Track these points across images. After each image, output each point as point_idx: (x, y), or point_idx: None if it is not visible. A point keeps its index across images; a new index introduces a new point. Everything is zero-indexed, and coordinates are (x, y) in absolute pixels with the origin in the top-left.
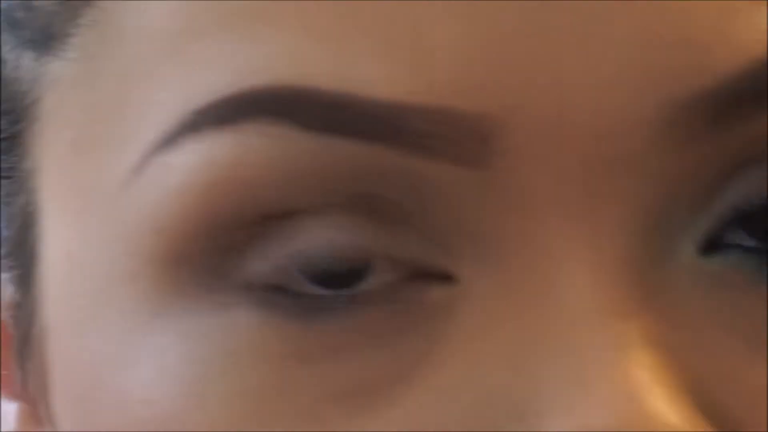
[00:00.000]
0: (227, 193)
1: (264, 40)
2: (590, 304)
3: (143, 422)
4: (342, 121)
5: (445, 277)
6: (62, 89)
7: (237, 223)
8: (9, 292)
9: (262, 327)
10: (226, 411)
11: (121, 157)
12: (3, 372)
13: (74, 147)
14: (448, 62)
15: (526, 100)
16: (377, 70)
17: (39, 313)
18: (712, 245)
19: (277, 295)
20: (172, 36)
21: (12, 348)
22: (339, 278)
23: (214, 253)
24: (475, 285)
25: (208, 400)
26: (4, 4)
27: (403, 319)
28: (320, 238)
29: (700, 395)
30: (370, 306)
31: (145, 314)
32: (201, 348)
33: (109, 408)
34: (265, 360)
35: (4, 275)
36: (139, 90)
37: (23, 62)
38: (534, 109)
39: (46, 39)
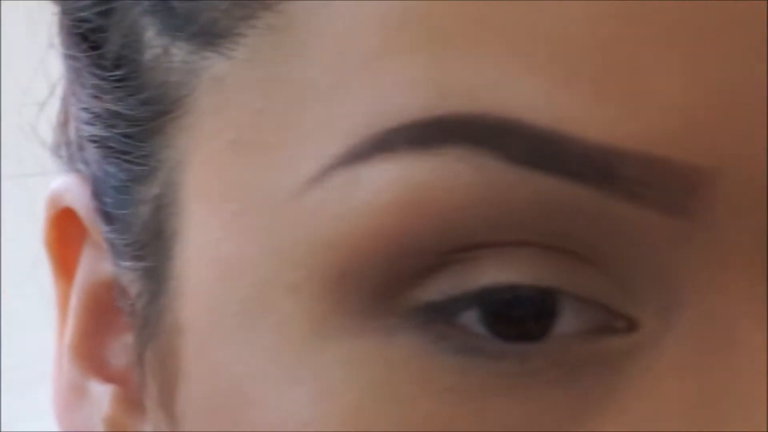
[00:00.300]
0: (419, 215)
1: (469, 65)
2: (762, 365)
3: None
4: (550, 158)
5: (628, 325)
6: (226, 88)
7: (420, 248)
8: (129, 278)
9: (429, 358)
10: None
11: (294, 166)
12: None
13: (234, 148)
14: (666, 110)
15: (739, 154)
16: (592, 111)
17: (173, 311)
18: None
19: (445, 326)
20: (368, 50)
21: (114, 333)
22: (518, 323)
23: (386, 276)
24: (658, 334)
25: (372, 429)
26: None
27: (580, 366)
28: (504, 277)
29: None
30: (545, 355)
31: (305, 331)
32: (365, 373)
33: (259, 425)
34: (431, 393)
35: (124, 262)
36: (323, 102)
37: (174, 52)
38: (746, 163)
39: (210, 35)
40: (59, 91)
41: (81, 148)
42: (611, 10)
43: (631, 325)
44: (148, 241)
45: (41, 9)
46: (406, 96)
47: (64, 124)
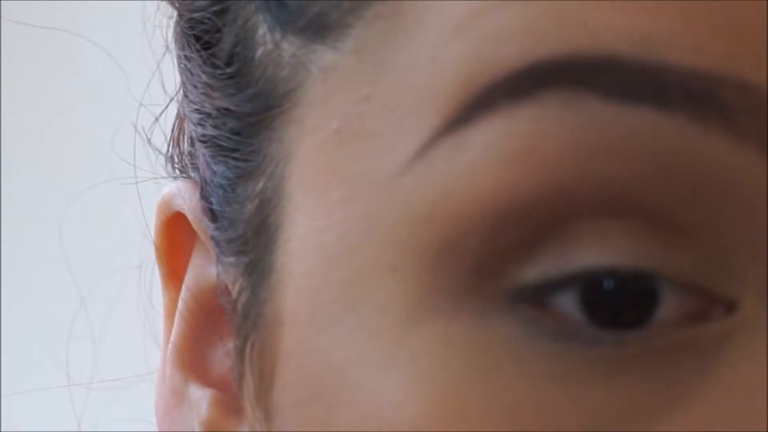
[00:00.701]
0: (522, 170)
1: (556, 9)
2: None
3: (394, 425)
4: (645, 88)
5: (727, 308)
6: (335, 79)
7: (522, 211)
8: (231, 274)
9: (524, 343)
10: (485, 426)
11: (397, 146)
12: (193, 358)
13: (339, 137)
14: (758, 38)
15: None
16: (682, 36)
17: (274, 302)
18: None
19: (540, 311)
20: (463, 15)
21: (218, 335)
22: (617, 311)
23: (484, 250)
24: (758, 313)
25: (465, 413)
26: None
27: (678, 352)
28: (604, 259)
29: None
30: (643, 342)
31: (404, 312)
32: (459, 356)
33: (356, 408)
34: (525, 378)
35: (228, 259)
36: (422, 77)
37: (285, 47)
38: None
39: (319, 28)
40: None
41: (192, 155)
42: None
43: (731, 308)
44: (253, 236)
45: (158, 14)
46: (497, 49)
47: (178, 136)
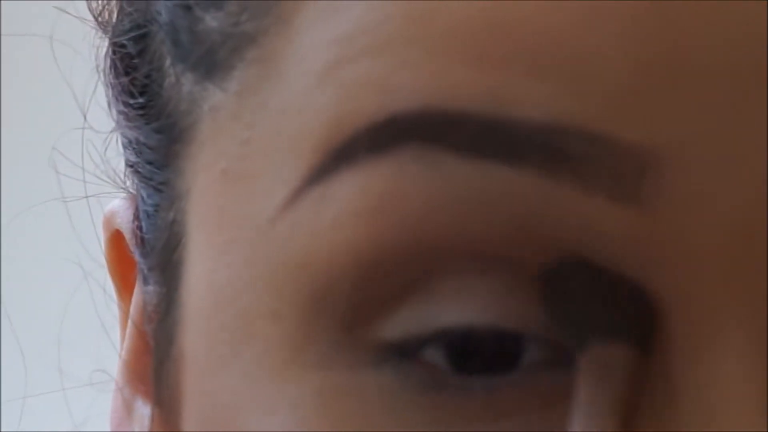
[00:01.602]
0: (382, 226)
1: (411, 64)
2: (742, 386)
3: None
4: (496, 144)
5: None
6: (220, 120)
7: (384, 268)
8: (153, 302)
9: (395, 394)
10: None
11: (272, 192)
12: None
13: (225, 178)
14: (606, 86)
15: (690, 134)
16: (530, 91)
17: (178, 338)
18: None
19: (408, 363)
20: (322, 66)
21: (149, 358)
22: (483, 360)
23: (353, 302)
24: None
25: None
26: (167, 17)
27: (552, 394)
28: (463, 317)
29: None
30: (514, 386)
31: (284, 359)
32: (336, 406)
33: None
34: (403, 427)
35: (149, 287)
36: (292, 125)
37: (183, 82)
38: (700, 143)
39: (208, 67)
40: None
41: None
42: (544, 2)
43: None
44: (164, 268)
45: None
46: (358, 102)
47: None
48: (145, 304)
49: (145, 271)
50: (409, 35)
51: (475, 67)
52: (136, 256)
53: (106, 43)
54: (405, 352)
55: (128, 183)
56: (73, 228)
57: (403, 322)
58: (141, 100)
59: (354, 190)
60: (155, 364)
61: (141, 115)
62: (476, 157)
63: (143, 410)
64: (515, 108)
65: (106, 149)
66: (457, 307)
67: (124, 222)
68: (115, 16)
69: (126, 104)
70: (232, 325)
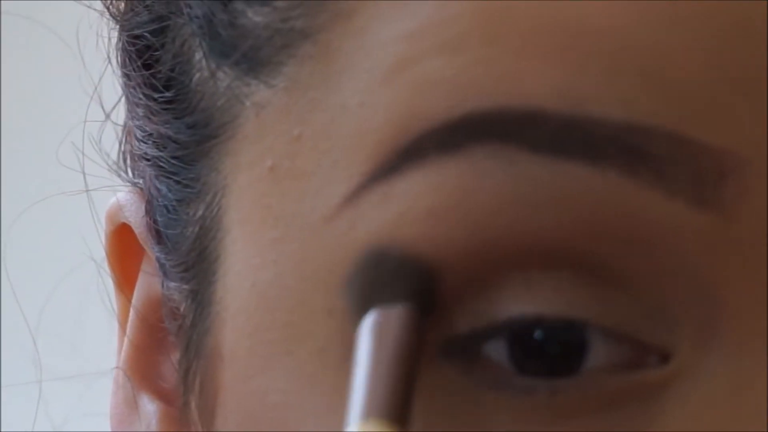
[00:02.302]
0: (452, 223)
1: (486, 62)
2: None
3: None
4: (574, 143)
5: (661, 358)
6: (267, 116)
7: (453, 263)
8: (175, 298)
9: (458, 391)
10: None
11: (328, 190)
12: (144, 368)
13: (274, 175)
14: (688, 89)
15: None
16: (611, 90)
17: (214, 335)
18: None
19: (471, 360)
20: (391, 63)
21: (165, 351)
22: (546, 362)
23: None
24: (693, 362)
25: None
26: (199, 10)
27: (613, 401)
28: (531, 307)
29: None
30: (577, 389)
31: (340, 356)
32: None
33: None
34: (465, 426)
35: (172, 283)
36: (351, 122)
37: (220, 77)
38: None
39: (252, 63)
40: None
41: (138, 161)
42: (627, 2)
43: (665, 357)
44: (194, 264)
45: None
46: (429, 100)
47: (126, 135)
48: (165, 300)
49: (167, 267)
50: (483, 33)
51: (553, 66)
52: (153, 251)
53: (118, 34)
54: (470, 346)
55: (131, 176)
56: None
57: (470, 315)
58: (168, 94)
59: (423, 188)
60: (182, 362)
61: (168, 110)
62: (553, 155)
63: (149, 407)
64: (595, 107)
65: (99, 140)
66: (526, 298)
67: (134, 215)
68: (127, 6)
69: (149, 98)
70: (283, 323)
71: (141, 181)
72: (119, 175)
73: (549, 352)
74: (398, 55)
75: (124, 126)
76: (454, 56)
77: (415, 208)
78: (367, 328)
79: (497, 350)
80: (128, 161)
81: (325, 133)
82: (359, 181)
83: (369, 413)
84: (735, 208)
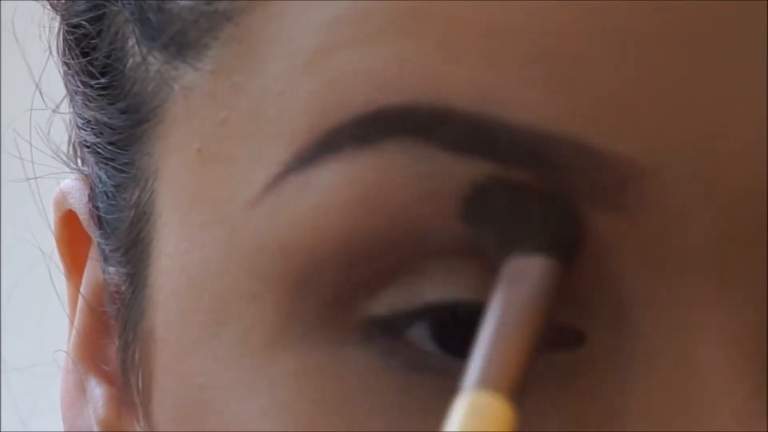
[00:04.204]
0: (367, 215)
1: (400, 57)
2: (724, 384)
3: None
4: (482, 142)
5: (576, 338)
6: (194, 99)
7: (369, 252)
8: (114, 282)
9: (377, 375)
10: None
11: (250, 175)
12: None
13: (201, 158)
14: (596, 97)
15: (675, 148)
16: (519, 93)
17: (148, 318)
18: None
19: (393, 342)
20: (310, 52)
21: (109, 335)
22: (463, 336)
23: (338, 284)
24: (608, 348)
25: None
26: None
27: (529, 382)
28: (448, 293)
29: None
30: None
31: (264, 341)
32: (316, 386)
33: None
34: (377, 410)
35: (110, 267)
36: (273, 108)
37: (151, 61)
38: (683, 158)
39: (179, 46)
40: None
41: (81, 148)
42: (542, 5)
43: (579, 339)
44: (130, 248)
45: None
46: (346, 92)
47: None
48: (106, 284)
49: (107, 252)
50: (399, 27)
51: (467, 66)
52: (95, 237)
53: (58, 24)
54: (391, 330)
55: (79, 163)
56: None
57: (390, 300)
58: (103, 80)
59: (339, 180)
60: (120, 344)
61: (103, 95)
62: (461, 153)
63: (97, 390)
64: (503, 108)
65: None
66: (445, 285)
67: (78, 202)
68: None
69: (86, 84)
70: (209, 307)
71: (84, 167)
72: (67, 164)
73: (467, 329)
74: (318, 44)
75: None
76: (370, 49)
77: (332, 199)
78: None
79: (418, 332)
80: (77, 150)
81: (249, 118)
82: (279, 169)
83: (484, 383)
84: (635, 213)
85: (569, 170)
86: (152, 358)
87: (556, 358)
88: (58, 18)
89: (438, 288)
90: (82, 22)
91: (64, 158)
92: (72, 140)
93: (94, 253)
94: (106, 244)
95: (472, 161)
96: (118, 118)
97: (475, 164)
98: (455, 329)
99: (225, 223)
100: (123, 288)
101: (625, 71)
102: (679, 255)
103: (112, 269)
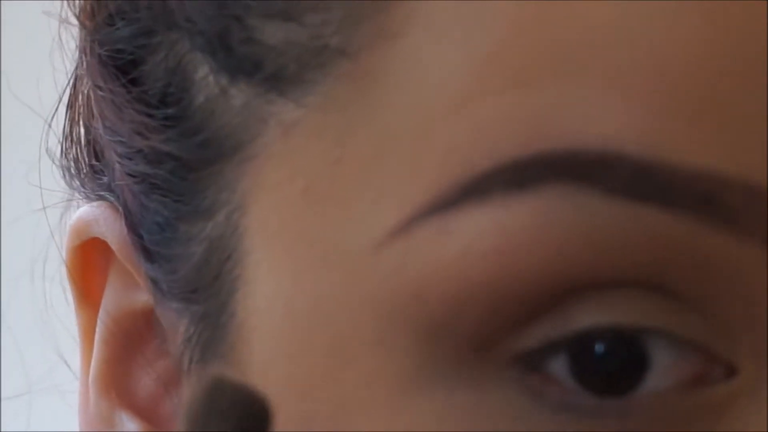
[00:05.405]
0: (519, 262)
1: (564, 99)
2: None
3: None
4: (650, 188)
5: (727, 371)
6: (297, 135)
7: (521, 296)
8: (172, 319)
9: (524, 416)
10: None
11: (373, 217)
12: (118, 383)
13: (307, 198)
14: (763, 137)
15: None
16: (690, 138)
17: (236, 358)
18: None
19: (540, 381)
20: (454, 94)
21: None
22: (611, 378)
23: (484, 326)
24: (756, 379)
25: None
26: (206, 25)
27: (680, 421)
28: (603, 319)
29: None
30: (644, 411)
31: (395, 385)
32: (458, 428)
33: None
34: None
35: (171, 303)
36: (406, 150)
37: (234, 93)
38: None
39: (275, 80)
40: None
41: (110, 175)
42: (711, 48)
43: (730, 371)
44: (203, 285)
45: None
46: (500, 136)
47: (78, 145)
48: (159, 318)
49: (165, 287)
50: (558, 67)
51: (635, 108)
52: (148, 271)
53: (89, 46)
54: (536, 365)
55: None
56: None
57: (540, 333)
58: (169, 111)
59: (488, 225)
60: (186, 383)
61: (170, 126)
62: (628, 199)
63: (129, 426)
64: (673, 152)
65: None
66: (598, 311)
67: (110, 231)
68: (101, 19)
69: (145, 114)
70: (325, 350)
71: (108, 194)
72: (78, 190)
73: (610, 365)
74: (462, 87)
75: (89, 140)
76: (525, 91)
77: (481, 245)
78: None
79: (558, 366)
80: (85, 174)
81: (371, 159)
82: (414, 212)
83: None
84: None
85: (741, 210)
86: None
87: (708, 392)
88: (91, 40)
89: (592, 315)
90: (130, 48)
91: (75, 183)
92: (88, 164)
93: (118, 280)
94: (165, 278)
95: (639, 207)
96: (192, 152)
97: (644, 210)
98: (597, 364)
99: (340, 265)
100: (190, 327)
101: None
102: None
103: (174, 305)
